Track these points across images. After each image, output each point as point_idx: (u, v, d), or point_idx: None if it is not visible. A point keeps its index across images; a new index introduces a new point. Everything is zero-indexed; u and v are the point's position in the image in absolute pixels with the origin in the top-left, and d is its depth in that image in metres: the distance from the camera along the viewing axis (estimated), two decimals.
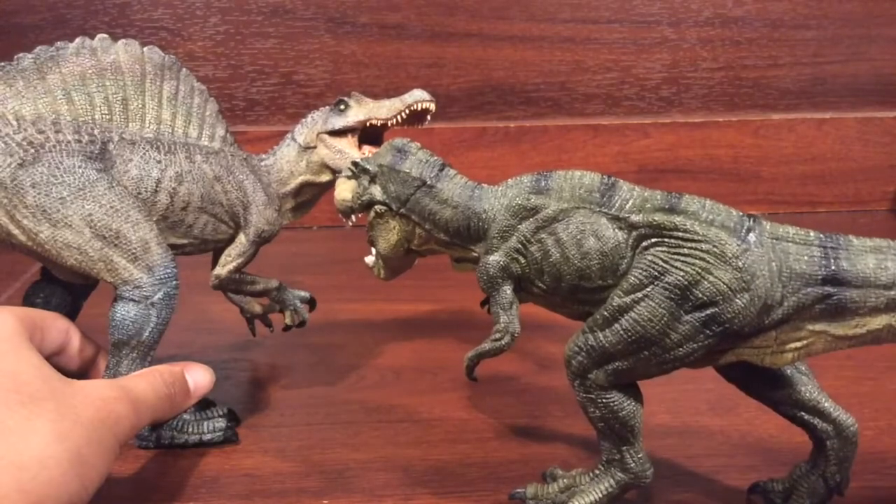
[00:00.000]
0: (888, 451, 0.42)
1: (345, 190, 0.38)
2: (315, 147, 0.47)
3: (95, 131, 0.41)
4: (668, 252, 0.32)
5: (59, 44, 0.41)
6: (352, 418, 0.46)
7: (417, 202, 0.36)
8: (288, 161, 0.47)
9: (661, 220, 0.32)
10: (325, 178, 0.47)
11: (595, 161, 0.77)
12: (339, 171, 0.46)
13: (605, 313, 0.33)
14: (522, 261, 0.35)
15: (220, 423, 0.44)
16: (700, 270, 0.31)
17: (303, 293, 0.50)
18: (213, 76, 0.79)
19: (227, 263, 0.45)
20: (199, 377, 0.41)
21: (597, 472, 0.36)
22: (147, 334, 0.40)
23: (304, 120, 0.48)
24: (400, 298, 0.63)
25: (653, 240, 0.32)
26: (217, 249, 0.46)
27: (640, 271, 0.32)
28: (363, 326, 0.58)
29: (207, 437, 0.43)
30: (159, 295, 0.41)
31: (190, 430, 0.43)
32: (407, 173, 0.36)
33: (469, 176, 0.38)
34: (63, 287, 0.43)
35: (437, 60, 0.80)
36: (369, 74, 0.79)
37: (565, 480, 0.37)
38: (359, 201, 0.37)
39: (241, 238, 0.46)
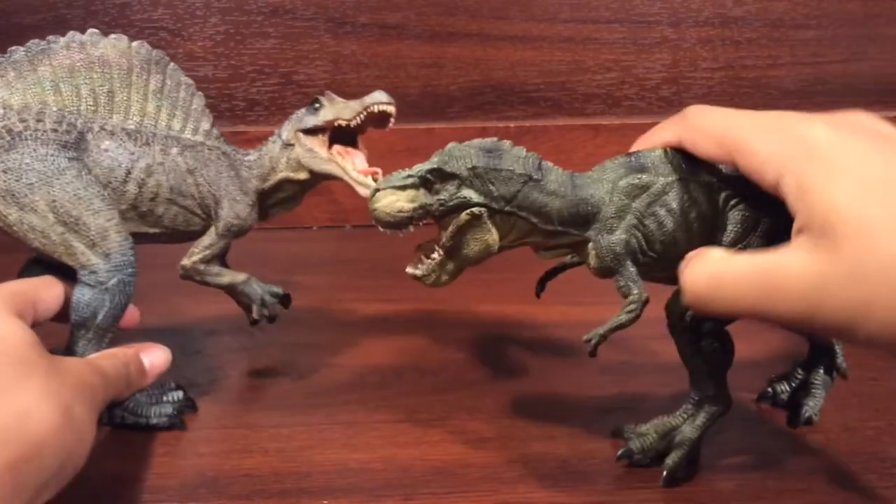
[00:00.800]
0: (888, 451, 0.42)
1: (397, 200, 0.37)
2: (293, 145, 0.48)
3: (78, 121, 0.43)
4: (754, 205, 0.37)
5: (50, 37, 0.43)
6: (352, 418, 0.46)
7: (526, 197, 0.37)
8: (271, 157, 0.48)
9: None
10: (303, 175, 0.48)
11: (595, 161, 0.77)
12: (314, 170, 0.47)
13: None
14: (639, 235, 0.37)
15: (168, 409, 0.45)
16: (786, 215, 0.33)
17: (275, 288, 0.50)
18: (213, 76, 0.79)
19: (194, 255, 0.47)
20: (154, 357, 0.43)
21: (687, 412, 0.40)
22: (101, 318, 0.42)
23: (290, 117, 0.49)
24: (400, 298, 0.63)
25: (737, 198, 0.37)
26: (191, 240, 0.47)
27: (736, 226, 0.37)
28: (363, 326, 0.58)
29: (154, 420, 0.45)
30: (113, 281, 0.42)
31: (141, 412, 0.45)
32: (510, 171, 0.37)
33: None
34: (52, 268, 0.45)
35: (437, 60, 0.80)
36: (369, 74, 0.79)
37: (656, 430, 0.41)
38: (442, 208, 0.36)
39: (211, 231, 0.47)
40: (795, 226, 0.31)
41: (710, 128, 0.36)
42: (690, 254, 0.35)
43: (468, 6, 0.79)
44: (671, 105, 0.82)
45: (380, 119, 0.46)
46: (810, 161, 0.31)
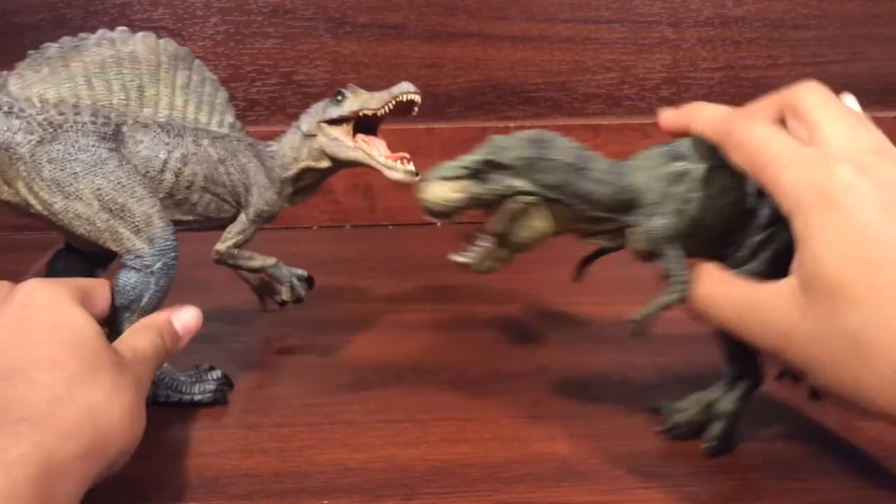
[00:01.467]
0: (889, 452, 0.42)
1: (447, 191, 0.38)
2: (315, 135, 0.50)
3: (112, 115, 0.45)
4: None
5: (82, 35, 0.45)
6: (352, 418, 0.46)
7: (573, 185, 0.38)
8: (291, 147, 0.51)
9: None
10: (325, 164, 0.50)
11: None
12: (339, 158, 0.49)
13: (746, 251, 0.39)
14: (679, 219, 0.38)
15: (210, 385, 0.48)
16: None
17: (300, 271, 0.55)
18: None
19: (228, 240, 0.49)
20: (186, 319, 0.44)
21: (723, 388, 0.42)
22: (146, 300, 0.44)
23: (308, 110, 0.51)
24: (400, 298, 0.63)
25: None
26: (221, 227, 0.50)
27: (769, 209, 0.38)
28: (363, 326, 0.58)
29: (198, 397, 0.47)
30: (159, 265, 0.44)
31: (184, 389, 0.47)
32: (559, 160, 0.38)
33: None
34: (82, 256, 0.48)
35: (437, 60, 0.80)
36: (369, 74, 0.79)
37: (695, 404, 0.43)
38: (493, 197, 0.38)
39: (242, 217, 0.49)
40: (794, 261, 0.33)
41: (746, 142, 0.36)
42: (702, 266, 0.38)
43: (468, 6, 0.79)
44: (671, 105, 0.82)
45: (405, 107, 0.49)
46: (821, 207, 0.32)
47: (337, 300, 0.63)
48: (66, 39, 0.45)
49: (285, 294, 0.53)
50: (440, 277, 0.66)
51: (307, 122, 0.50)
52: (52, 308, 0.37)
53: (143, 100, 0.46)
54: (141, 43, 0.46)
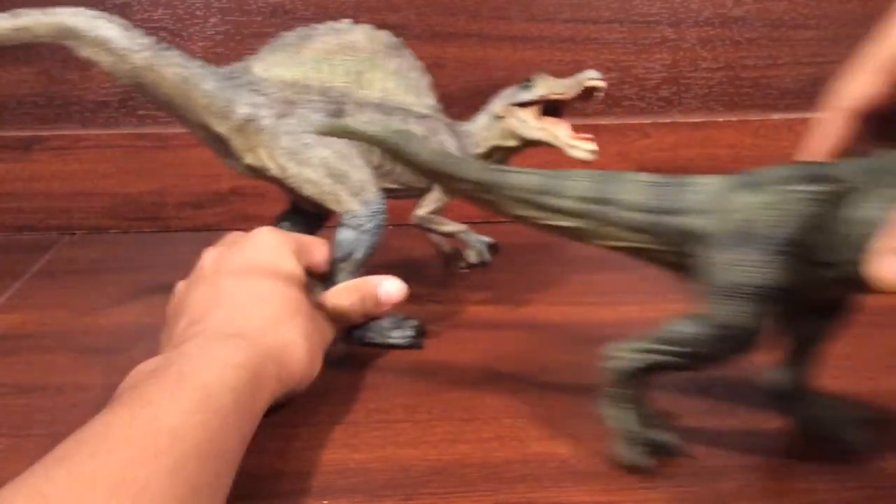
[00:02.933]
0: (888, 451, 0.42)
1: None
2: (504, 117, 0.56)
3: (335, 94, 0.52)
4: None
5: (313, 25, 0.53)
6: (352, 418, 0.46)
7: None
8: (482, 128, 0.58)
9: None
10: (512, 143, 0.57)
11: (595, 161, 0.77)
12: (526, 137, 0.56)
13: None
14: None
15: (409, 332, 0.54)
16: None
17: (486, 238, 0.63)
18: None
19: (426, 206, 0.57)
20: (390, 288, 0.50)
21: None
22: (360, 254, 0.51)
23: (498, 94, 0.57)
24: None
25: None
26: (418, 196, 0.57)
27: None
28: None
29: (397, 340, 0.53)
30: (371, 224, 0.51)
31: (385, 333, 0.53)
32: None
33: None
34: (305, 216, 0.57)
35: (437, 60, 0.80)
36: None
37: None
38: None
39: (437, 188, 0.56)
40: None
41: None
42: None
43: (468, 6, 0.79)
44: (671, 105, 0.82)
45: (588, 94, 0.53)
46: None
47: None
48: (300, 29, 0.52)
49: (473, 257, 0.62)
50: (439, 277, 0.66)
51: (498, 105, 0.56)
52: (274, 253, 0.47)
53: (360, 83, 0.53)
54: (361, 33, 0.53)
